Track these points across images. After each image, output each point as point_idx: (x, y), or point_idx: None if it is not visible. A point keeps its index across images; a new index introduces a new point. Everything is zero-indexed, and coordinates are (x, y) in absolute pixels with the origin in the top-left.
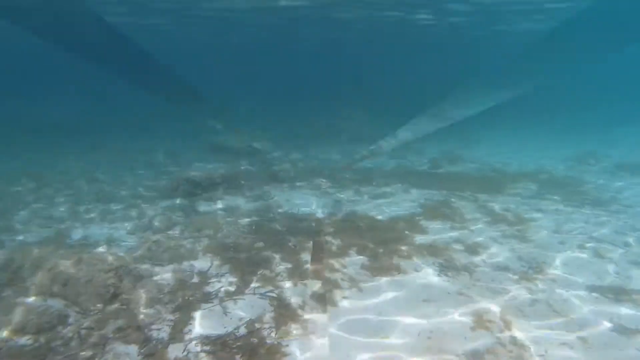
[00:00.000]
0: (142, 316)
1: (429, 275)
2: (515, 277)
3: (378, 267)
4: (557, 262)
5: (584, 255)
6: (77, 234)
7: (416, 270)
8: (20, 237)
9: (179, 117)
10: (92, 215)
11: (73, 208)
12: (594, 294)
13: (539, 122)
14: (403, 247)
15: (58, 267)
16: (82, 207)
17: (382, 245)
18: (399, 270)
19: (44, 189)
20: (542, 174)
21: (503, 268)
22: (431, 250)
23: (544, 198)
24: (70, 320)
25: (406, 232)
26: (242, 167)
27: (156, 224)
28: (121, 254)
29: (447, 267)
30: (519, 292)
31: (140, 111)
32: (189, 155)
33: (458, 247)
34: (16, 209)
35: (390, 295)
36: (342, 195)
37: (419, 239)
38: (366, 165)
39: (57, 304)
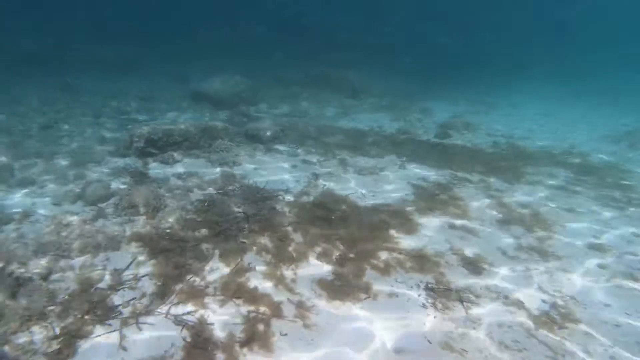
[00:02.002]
0: (7, 347)
1: (410, 304)
2: (530, 325)
3: (341, 284)
4: (597, 302)
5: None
6: None
7: (393, 295)
8: None
9: (165, 59)
10: (26, 174)
11: (9, 163)
12: None
13: (575, 84)
14: (381, 254)
15: None
16: (19, 163)
17: (354, 248)
18: (368, 291)
19: None
20: (573, 156)
21: (514, 303)
22: (418, 262)
23: (575, 192)
24: None
25: (390, 229)
26: (217, 122)
27: (89, 192)
28: (14, 246)
29: (436, 294)
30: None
31: (128, 50)
32: (164, 104)
33: (454, 259)
34: None
35: (348, 337)
36: (323, 167)
37: (405, 241)
38: (361, 127)
39: None
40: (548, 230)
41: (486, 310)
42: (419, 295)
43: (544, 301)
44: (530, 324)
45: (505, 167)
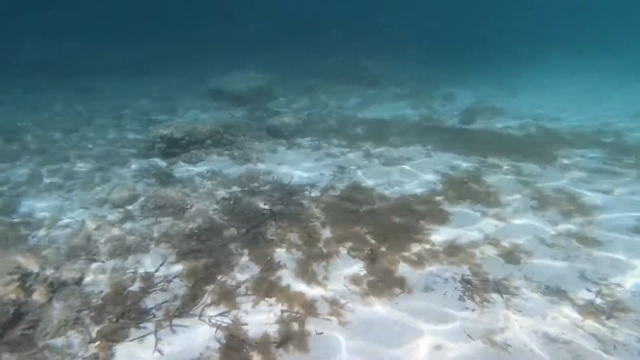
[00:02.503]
0: (46, 351)
1: (447, 298)
2: (576, 316)
3: (374, 280)
4: None
5: None
6: (25, 205)
7: (428, 289)
8: None
9: (180, 59)
10: (52, 179)
11: (36, 169)
12: None
13: (605, 62)
14: (413, 246)
15: None
16: (46, 168)
17: (385, 241)
18: (402, 286)
19: (13, 144)
20: (607, 135)
21: (556, 293)
22: (452, 254)
23: (614, 173)
24: None
25: (420, 220)
26: (238, 118)
27: (115, 195)
28: (46, 251)
29: (473, 286)
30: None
31: (138, 52)
32: (184, 102)
33: (490, 250)
34: None
35: (385, 333)
36: (348, 158)
37: (437, 232)
38: (383, 116)
39: None
40: (587, 215)
41: (527, 301)
42: (456, 288)
43: (588, 290)
44: (575, 314)
45: (536, 150)
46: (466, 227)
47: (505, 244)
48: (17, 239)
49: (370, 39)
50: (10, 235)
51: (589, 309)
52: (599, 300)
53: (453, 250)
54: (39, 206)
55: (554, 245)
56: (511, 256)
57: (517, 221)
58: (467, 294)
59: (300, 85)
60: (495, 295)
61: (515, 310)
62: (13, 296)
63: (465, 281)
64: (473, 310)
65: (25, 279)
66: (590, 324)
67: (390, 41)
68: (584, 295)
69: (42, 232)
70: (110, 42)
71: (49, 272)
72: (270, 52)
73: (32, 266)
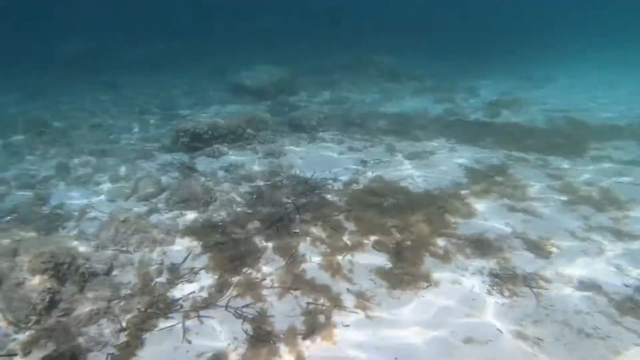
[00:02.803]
0: (80, 339)
1: (475, 291)
2: (613, 311)
3: (400, 273)
4: None
5: None
6: (56, 198)
7: (455, 283)
8: (3, 201)
9: (200, 54)
10: (80, 172)
11: (64, 163)
12: None
13: (637, 54)
14: (438, 240)
15: None
16: (74, 162)
17: (410, 235)
18: (429, 279)
19: (43, 137)
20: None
21: (590, 288)
22: (479, 248)
23: None
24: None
25: (446, 214)
26: (260, 113)
27: (141, 188)
28: (77, 242)
29: (502, 280)
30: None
31: (160, 47)
32: (205, 96)
33: (518, 243)
34: (5, 165)
35: (413, 329)
36: (370, 152)
37: (463, 226)
38: (406, 110)
39: None
40: (622, 208)
41: (559, 296)
42: (484, 282)
43: (626, 285)
44: (612, 310)
45: (565, 143)
46: (493, 221)
47: (534, 237)
48: (49, 229)
49: (388, 32)
50: (43, 226)
51: (627, 305)
52: (638, 296)
53: (480, 244)
54: (68, 199)
55: (587, 239)
56: (541, 251)
57: (546, 215)
58: (495, 288)
59: (320, 80)
60: (524, 290)
61: (547, 305)
62: (48, 284)
63: (493, 275)
64: (502, 304)
65: (59, 267)
66: (629, 320)
67: (409, 34)
68: (621, 290)
69: (72, 224)
70: (132, 39)
71: (80, 262)
72: (286, 46)
73: (65, 256)
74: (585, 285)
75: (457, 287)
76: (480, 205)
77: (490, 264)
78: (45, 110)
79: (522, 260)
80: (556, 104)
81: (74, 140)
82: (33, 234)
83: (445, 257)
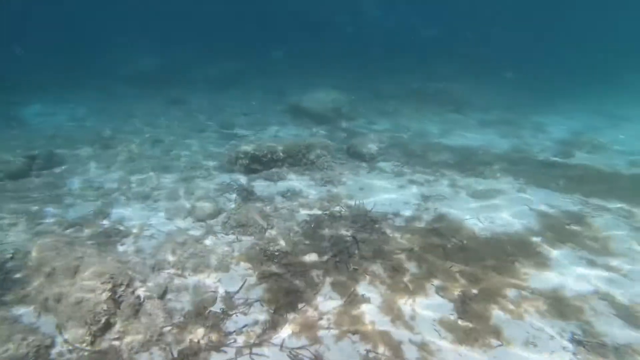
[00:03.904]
0: None
1: (555, 359)
2: None
3: (467, 326)
4: None
5: None
6: (117, 213)
7: (529, 344)
8: (68, 212)
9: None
10: (141, 188)
11: (126, 176)
12: None
13: None
14: (508, 292)
15: (55, 275)
16: (135, 177)
17: (477, 283)
18: (499, 337)
19: (109, 150)
20: None
21: None
22: (556, 306)
23: None
24: (53, 354)
25: (516, 262)
26: (319, 138)
27: (198, 209)
28: (134, 261)
29: (587, 349)
30: None
31: (229, 66)
32: (265, 117)
33: (603, 306)
34: (72, 175)
35: None
36: (432, 187)
37: (536, 278)
38: (469, 143)
39: (48, 324)
40: None
41: None
42: (565, 349)
43: None
44: None
45: None
46: (570, 275)
47: (622, 300)
48: (108, 245)
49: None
50: (103, 241)
51: None
52: None
53: (556, 301)
54: (127, 214)
55: None
56: (632, 317)
57: (635, 275)
58: (579, 357)
59: (380, 106)
60: None
61: None
62: (105, 306)
63: (576, 341)
64: None
65: (116, 289)
66: None
67: (475, 63)
68: None
69: (130, 241)
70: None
71: (137, 284)
72: (347, 70)
73: (123, 277)
74: None
75: (532, 350)
76: (554, 256)
77: (570, 327)
78: (111, 124)
79: (611, 328)
80: (638, 146)
81: (137, 154)
82: (93, 250)
83: (516, 313)
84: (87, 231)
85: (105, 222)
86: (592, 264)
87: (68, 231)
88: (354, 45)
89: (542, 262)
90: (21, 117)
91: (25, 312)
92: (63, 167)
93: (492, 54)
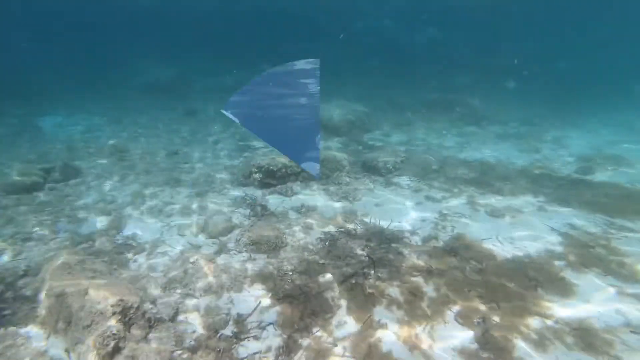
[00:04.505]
0: None
1: None
2: None
3: (489, 358)
4: None
5: None
6: (130, 228)
7: None
8: (81, 227)
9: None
10: (154, 202)
11: (140, 190)
12: None
13: None
14: (530, 320)
15: (65, 296)
16: (149, 190)
17: (497, 309)
18: None
19: (124, 162)
20: None
21: None
22: (584, 337)
23: None
24: None
25: (539, 288)
26: (334, 152)
27: (211, 225)
28: (145, 280)
29: None
30: None
31: (241, 77)
32: None
33: (635, 340)
34: (87, 188)
35: None
36: (450, 204)
37: (560, 306)
38: (487, 158)
39: (57, 347)
40: None
41: None
42: None
43: None
44: None
45: None
46: (597, 304)
47: None
48: (120, 262)
49: (470, 72)
50: (115, 258)
51: None
52: None
53: (583, 332)
54: (140, 229)
55: None
56: None
57: None
58: None
59: (396, 119)
60: None
61: None
62: (114, 330)
63: None
64: None
65: (126, 312)
66: None
67: (493, 75)
68: None
69: (142, 258)
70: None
71: (147, 306)
72: (363, 81)
73: (133, 299)
74: None
75: None
76: (579, 282)
77: None
78: (126, 135)
79: None
80: None
81: (151, 167)
82: (104, 268)
83: (541, 345)
84: (99, 246)
85: (118, 237)
86: (620, 291)
87: (81, 247)
88: (369, 54)
89: (567, 288)
90: (41, 126)
91: (35, 334)
92: (78, 180)
93: (510, 65)
